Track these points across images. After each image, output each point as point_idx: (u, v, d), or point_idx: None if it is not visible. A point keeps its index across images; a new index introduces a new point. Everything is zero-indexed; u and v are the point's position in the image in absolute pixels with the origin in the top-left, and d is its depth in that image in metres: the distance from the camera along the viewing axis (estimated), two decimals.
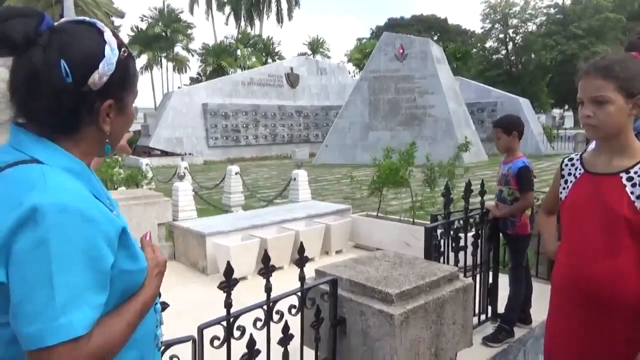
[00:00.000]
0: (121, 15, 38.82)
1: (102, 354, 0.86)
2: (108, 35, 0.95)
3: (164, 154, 20.53)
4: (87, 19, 0.97)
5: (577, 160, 1.67)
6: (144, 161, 11.59)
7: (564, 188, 1.68)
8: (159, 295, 1.17)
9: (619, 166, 1.52)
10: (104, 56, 0.92)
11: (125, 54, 0.97)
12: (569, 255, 1.65)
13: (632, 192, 1.46)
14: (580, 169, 1.64)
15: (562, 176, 1.70)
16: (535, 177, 3.38)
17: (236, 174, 8.33)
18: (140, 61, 41.42)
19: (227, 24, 67.67)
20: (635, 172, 1.47)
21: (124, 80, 0.97)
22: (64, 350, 0.80)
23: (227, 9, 45.28)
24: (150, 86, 44.05)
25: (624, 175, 1.49)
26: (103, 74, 0.91)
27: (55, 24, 0.93)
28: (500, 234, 3.49)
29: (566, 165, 1.71)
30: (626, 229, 1.46)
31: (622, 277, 1.48)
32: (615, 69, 1.47)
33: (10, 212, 0.81)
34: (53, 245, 0.81)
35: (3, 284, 0.81)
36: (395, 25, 44.36)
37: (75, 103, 0.91)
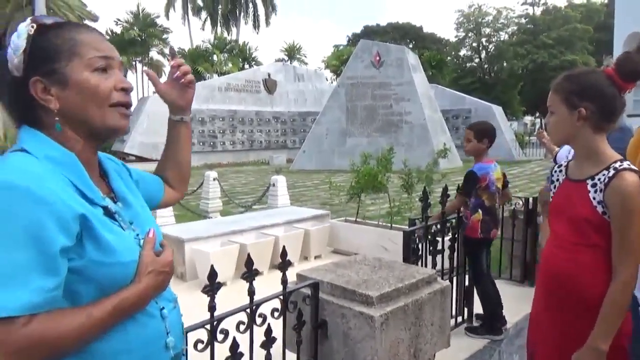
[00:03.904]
0: (95, 19, 38.10)
1: (40, 343, 0.82)
2: (23, 22, 0.98)
3: (139, 159, 20.22)
4: None
5: (564, 167, 1.79)
6: None
7: (552, 192, 1.82)
8: (176, 301, 1.14)
9: (586, 173, 1.63)
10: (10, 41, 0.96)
11: (34, 27, 0.96)
12: (545, 251, 1.79)
13: (594, 198, 1.57)
14: (563, 175, 1.77)
15: (552, 182, 1.84)
16: (482, 184, 3.38)
17: (214, 179, 8.29)
18: None
19: (203, 29, 67.17)
20: (599, 179, 1.57)
21: (46, 53, 0.96)
22: None
23: (204, 14, 45.01)
24: None
25: (589, 182, 1.60)
26: (11, 58, 0.94)
27: None
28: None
29: (555, 172, 1.84)
30: (591, 228, 1.58)
31: (588, 271, 1.59)
32: (563, 83, 1.65)
33: None
34: None
35: None
36: (371, 32, 44.79)
37: (15, 94, 0.97)
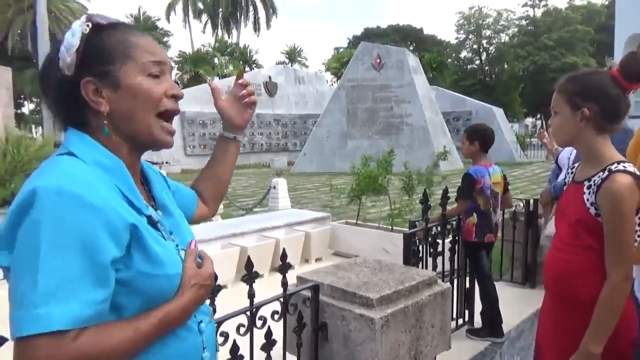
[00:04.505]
0: None
1: (90, 358, 0.78)
2: (77, 20, 0.95)
3: None
4: None
5: (576, 169, 1.79)
6: None
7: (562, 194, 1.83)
8: (211, 315, 1.11)
9: (586, 174, 1.63)
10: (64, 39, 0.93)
11: (90, 27, 0.92)
12: (548, 252, 1.79)
13: (587, 199, 1.58)
14: (571, 178, 1.77)
15: (565, 184, 1.83)
16: (475, 187, 3.37)
17: None
18: None
19: (204, 32, 67.36)
20: (594, 181, 1.57)
21: (99, 53, 0.93)
22: (42, 343, 0.74)
23: (204, 16, 45.14)
24: None
25: (585, 184, 1.60)
26: (64, 56, 0.91)
27: None
28: None
29: (567, 174, 1.85)
30: (585, 230, 1.58)
31: (582, 272, 1.59)
32: (566, 84, 1.64)
33: (18, 197, 0.82)
34: (45, 228, 0.77)
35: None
36: (371, 35, 44.88)
37: (64, 93, 0.94)
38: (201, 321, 1.02)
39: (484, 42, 43.66)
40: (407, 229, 3.50)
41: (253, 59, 40.39)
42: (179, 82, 36.01)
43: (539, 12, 43.59)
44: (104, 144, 0.95)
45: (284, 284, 1.97)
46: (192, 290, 0.95)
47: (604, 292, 1.51)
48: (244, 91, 1.28)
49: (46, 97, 0.97)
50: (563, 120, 1.64)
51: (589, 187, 1.58)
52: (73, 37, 0.91)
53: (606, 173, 1.53)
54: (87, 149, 0.92)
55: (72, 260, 0.78)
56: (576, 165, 1.81)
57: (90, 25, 0.92)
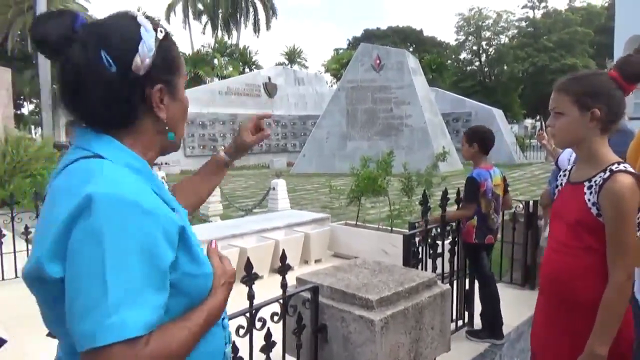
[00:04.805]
0: None
1: None
2: (141, 18, 0.93)
3: None
4: (121, 11, 0.96)
5: (568, 171, 1.79)
6: None
7: (556, 196, 1.82)
8: (225, 311, 1.12)
9: (585, 175, 1.63)
10: (142, 38, 0.90)
11: (163, 34, 0.94)
12: (544, 254, 1.79)
13: (589, 200, 1.57)
14: (566, 179, 1.76)
15: (556, 186, 1.83)
16: (480, 190, 3.34)
17: None
18: None
19: (204, 33, 67.61)
20: (595, 181, 1.57)
21: (167, 62, 0.95)
22: (117, 352, 0.74)
23: (204, 18, 45.15)
24: None
25: (586, 184, 1.60)
26: (144, 56, 0.89)
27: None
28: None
29: (560, 176, 1.85)
30: (585, 230, 1.58)
31: (581, 273, 1.59)
32: (571, 85, 1.63)
33: (67, 203, 0.79)
34: (107, 236, 0.76)
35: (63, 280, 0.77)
36: (371, 36, 44.90)
37: (126, 92, 0.89)
38: (224, 317, 1.06)
39: (484, 43, 43.69)
40: (407, 230, 3.50)
41: (253, 60, 40.37)
42: None
43: (538, 14, 43.67)
44: (129, 146, 0.93)
45: (284, 285, 1.97)
46: (223, 289, 0.97)
47: (607, 292, 1.51)
48: (268, 134, 1.46)
49: (87, 97, 0.89)
50: (571, 121, 1.61)
51: (590, 187, 1.58)
52: (150, 39, 0.91)
53: (607, 173, 1.54)
54: (116, 151, 0.90)
55: (137, 267, 0.78)
56: (568, 167, 1.81)
57: (163, 32, 0.94)
